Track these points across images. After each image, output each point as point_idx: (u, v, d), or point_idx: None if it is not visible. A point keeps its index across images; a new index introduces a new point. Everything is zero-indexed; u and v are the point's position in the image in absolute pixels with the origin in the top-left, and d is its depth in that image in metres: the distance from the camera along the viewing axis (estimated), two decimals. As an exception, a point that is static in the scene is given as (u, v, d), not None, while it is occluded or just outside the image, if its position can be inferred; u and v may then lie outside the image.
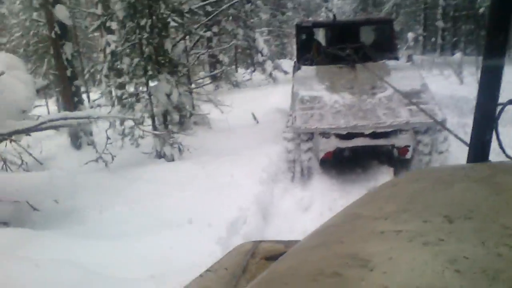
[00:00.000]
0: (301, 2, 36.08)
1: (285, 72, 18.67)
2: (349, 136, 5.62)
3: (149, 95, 7.19)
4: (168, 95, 7.18)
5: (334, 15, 9.06)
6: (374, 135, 5.60)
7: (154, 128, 7.37)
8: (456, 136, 1.73)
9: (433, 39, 26.92)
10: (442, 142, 5.89)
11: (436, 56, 16.98)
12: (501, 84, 1.08)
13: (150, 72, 6.79)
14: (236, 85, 17.54)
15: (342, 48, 7.22)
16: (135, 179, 5.97)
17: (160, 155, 7.23)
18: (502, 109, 1.08)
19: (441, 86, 10.67)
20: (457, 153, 5.95)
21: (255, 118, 9.06)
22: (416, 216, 0.64)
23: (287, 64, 20.29)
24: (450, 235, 0.56)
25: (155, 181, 5.83)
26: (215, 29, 17.91)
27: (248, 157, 6.40)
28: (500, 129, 1.14)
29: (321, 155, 5.85)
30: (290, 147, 6.03)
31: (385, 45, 8.00)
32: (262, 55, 18.11)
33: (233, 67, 19.35)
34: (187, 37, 9.83)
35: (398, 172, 6.11)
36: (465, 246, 0.53)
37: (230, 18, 17.45)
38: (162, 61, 7.08)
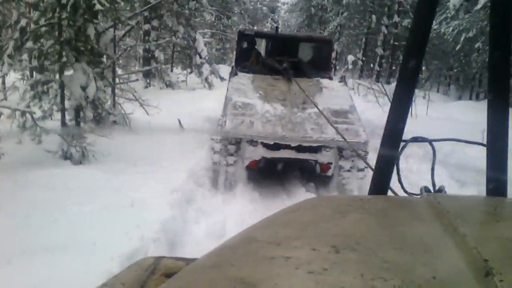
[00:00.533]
0: (248, 9, 35.76)
1: (222, 78, 18.04)
2: (276, 147, 5.67)
3: (61, 85, 6.28)
4: (84, 88, 6.32)
5: (277, 27, 9.23)
6: (299, 149, 5.68)
7: (63, 124, 6.46)
8: (365, 161, 1.90)
9: (371, 65, 27.47)
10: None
11: (371, 82, 17.05)
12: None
13: (64, 59, 5.87)
14: (170, 85, 16.64)
15: (280, 60, 7.35)
16: (28, 184, 5.06)
17: (66, 156, 6.32)
18: (404, 146, 1.13)
19: (375, 115, 10.46)
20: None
21: (181, 124, 8.36)
22: (306, 243, 0.66)
23: (226, 70, 19.65)
24: (334, 265, 0.58)
25: (52, 189, 4.95)
26: (155, 23, 16.99)
27: (164, 170, 5.70)
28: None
29: (246, 163, 5.86)
30: (216, 149, 5.96)
31: (321, 63, 8.28)
32: (200, 57, 17.34)
33: (169, 66, 18.36)
34: (118, 26, 8.96)
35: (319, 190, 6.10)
36: (345, 277, 0.55)
37: (172, 13, 16.59)
38: (82, 48, 6.20)
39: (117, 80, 8.74)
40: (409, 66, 1.07)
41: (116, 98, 8.49)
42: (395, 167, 1.16)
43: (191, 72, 19.37)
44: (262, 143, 5.66)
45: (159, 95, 14.09)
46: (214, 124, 8.79)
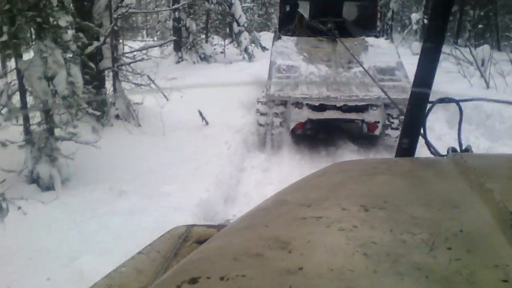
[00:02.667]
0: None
1: (264, 48, 15.71)
2: (321, 108, 5.69)
3: (19, 76, 4.33)
4: (50, 79, 4.34)
5: None
6: (345, 109, 5.68)
7: (27, 131, 4.52)
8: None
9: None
10: None
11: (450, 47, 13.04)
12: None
13: (4, 37, 3.82)
14: (204, 58, 14.56)
15: (324, 21, 7.15)
16: None
17: (33, 178, 4.43)
18: (430, 108, 1.11)
19: (461, 90, 7.90)
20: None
21: (202, 117, 6.28)
22: (335, 204, 0.67)
23: (269, 37, 17.24)
24: (363, 222, 0.59)
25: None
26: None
27: (161, 204, 3.66)
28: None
29: (292, 125, 5.88)
30: (262, 117, 6.03)
31: (367, 21, 8.11)
32: (238, 25, 15.05)
33: (203, 36, 16.17)
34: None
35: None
36: (375, 233, 0.56)
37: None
38: (38, 19, 4.15)
39: (124, 58, 6.69)
40: (435, 25, 1.05)
41: (120, 84, 6.47)
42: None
43: (230, 43, 16.99)
44: (307, 104, 5.68)
45: (190, 71, 12.06)
46: (248, 110, 6.90)
